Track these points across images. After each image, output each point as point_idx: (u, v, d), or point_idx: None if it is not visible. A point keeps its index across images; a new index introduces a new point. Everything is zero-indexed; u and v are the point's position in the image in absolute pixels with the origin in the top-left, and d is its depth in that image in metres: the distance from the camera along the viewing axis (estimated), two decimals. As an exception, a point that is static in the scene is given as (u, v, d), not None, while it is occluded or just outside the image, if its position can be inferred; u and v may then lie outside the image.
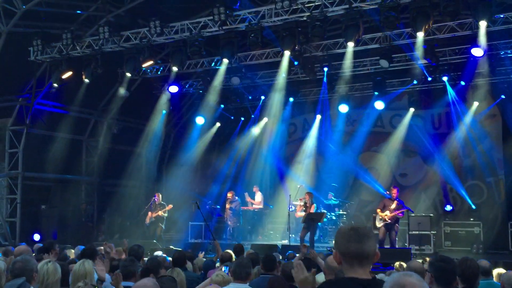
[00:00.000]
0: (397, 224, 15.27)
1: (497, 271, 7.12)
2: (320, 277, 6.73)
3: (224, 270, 7.05)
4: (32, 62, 16.86)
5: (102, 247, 10.15)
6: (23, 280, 4.76)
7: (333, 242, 3.15)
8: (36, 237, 17.05)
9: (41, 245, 10.18)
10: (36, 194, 18.85)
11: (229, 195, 18.94)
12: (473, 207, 18.52)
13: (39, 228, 17.82)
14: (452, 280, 4.23)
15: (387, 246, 14.85)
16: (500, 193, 18.83)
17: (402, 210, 15.08)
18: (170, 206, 18.04)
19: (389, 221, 15.01)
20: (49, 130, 18.69)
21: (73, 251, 9.94)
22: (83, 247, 8.51)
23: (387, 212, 15.05)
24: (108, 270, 7.98)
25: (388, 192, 16.14)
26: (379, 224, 15.20)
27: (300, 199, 17.11)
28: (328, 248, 14.75)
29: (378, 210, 15.42)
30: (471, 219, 17.95)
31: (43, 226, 18.09)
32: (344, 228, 3.10)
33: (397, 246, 15.29)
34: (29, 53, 16.67)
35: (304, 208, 16.54)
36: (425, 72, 17.32)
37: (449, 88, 18.21)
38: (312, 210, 16.43)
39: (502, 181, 18.85)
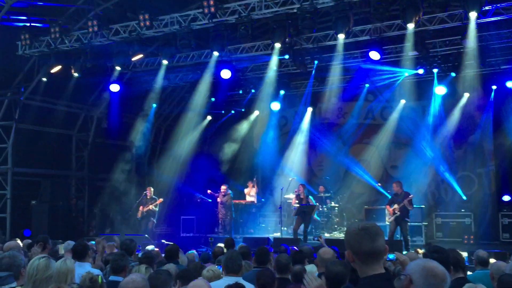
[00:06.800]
0: (406, 218, 14.82)
1: (493, 261, 7.11)
2: (312, 268, 6.72)
3: (218, 268, 7.02)
4: (20, 56, 16.67)
5: (94, 242, 10.10)
6: (7, 274, 4.69)
7: (345, 241, 3.18)
8: (27, 232, 16.93)
9: (29, 241, 10.09)
10: (26, 189, 18.69)
11: (223, 188, 18.82)
12: (464, 198, 18.61)
13: (29, 224, 17.69)
14: (447, 269, 4.25)
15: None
16: (490, 184, 18.93)
17: (410, 198, 14.73)
18: (161, 200, 18.02)
19: (398, 213, 14.75)
20: (38, 125, 18.54)
21: (62, 246, 9.81)
22: (72, 242, 8.38)
23: (395, 205, 14.89)
24: (99, 265, 7.92)
25: (379, 184, 16.14)
26: (389, 220, 15.06)
27: (295, 191, 17.04)
28: (314, 238, 14.68)
29: (387, 207, 15.26)
30: (462, 210, 18.04)
31: (33, 222, 17.94)
32: (354, 228, 3.15)
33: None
34: (17, 47, 16.48)
35: (298, 201, 16.51)
36: (415, 64, 17.27)
37: (435, 82, 18.27)
38: (309, 202, 16.44)
39: (493, 172, 18.95)
